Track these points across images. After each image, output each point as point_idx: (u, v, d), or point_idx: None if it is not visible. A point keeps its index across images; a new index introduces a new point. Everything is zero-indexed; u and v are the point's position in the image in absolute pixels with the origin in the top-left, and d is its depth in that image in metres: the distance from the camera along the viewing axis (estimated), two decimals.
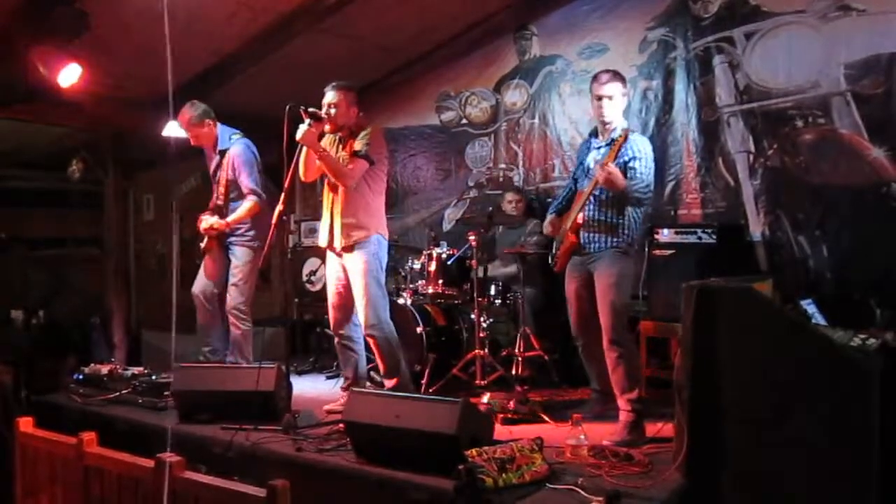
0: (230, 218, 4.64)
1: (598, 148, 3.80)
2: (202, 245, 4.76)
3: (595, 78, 3.79)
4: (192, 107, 4.66)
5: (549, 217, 4.05)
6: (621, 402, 3.56)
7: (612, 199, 3.66)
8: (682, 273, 3.95)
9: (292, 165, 3.93)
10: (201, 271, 4.80)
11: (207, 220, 4.69)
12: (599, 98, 3.71)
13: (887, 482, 2.58)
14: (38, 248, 7.64)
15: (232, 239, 4.71)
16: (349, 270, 4.03)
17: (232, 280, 4.70)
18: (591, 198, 3.69)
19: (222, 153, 4.73)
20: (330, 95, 4.00)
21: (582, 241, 3.72)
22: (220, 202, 4.75)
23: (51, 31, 4.27)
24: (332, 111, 3.98)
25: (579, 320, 3.85)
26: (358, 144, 3.97)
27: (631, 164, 3.62)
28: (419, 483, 2.85)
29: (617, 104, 3.72)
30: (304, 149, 3.93)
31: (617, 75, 3.76)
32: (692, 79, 4.95)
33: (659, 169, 4.91)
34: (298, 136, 3.75)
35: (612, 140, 3.68)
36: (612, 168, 3.47)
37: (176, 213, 7.21)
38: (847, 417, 2.59)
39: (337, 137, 4.14)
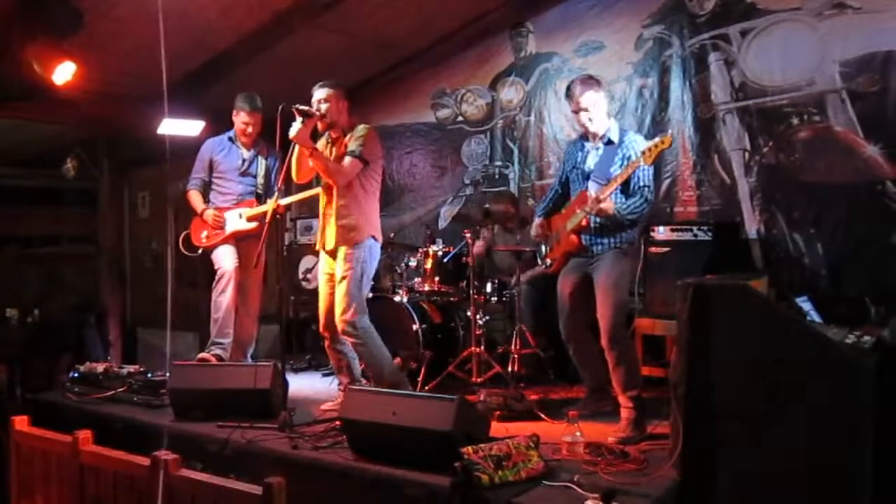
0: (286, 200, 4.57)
1: (597, 149, 3.74)
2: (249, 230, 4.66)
3: (568, 93, 3.73)
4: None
5: (537, 220, 4.04)
6: (623, 400, 3.55)
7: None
8: (677, 270, 3.95)
9: (286, 164, 3.93)
10: (235, 258, 4.69)
11: (268, 203, 4.39)
12: (577, 112, 3.69)
13: (880, 478, 2.59)
14: (33, 246, 7.61)
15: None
16: (336, 271, 4.00)
17: (258, 280, 4.75)
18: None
19: (258, 149, 4.80)
20: (319, 93, 3.98)
21: (585, 242, 3.71)
22: (260, 191, 4.78)
23: (45, 28, 4.25)
24: (323, 106, 3.95)
25: (572, 321, 3.82)
26: (352, 144, 3.94)
27: (634, 187, 3.57)
28: (415, 480, 2.85)
29: (600, 111, 3.68)
30: (297, 148, 3.90)
31: (587, 82, 3.70)
32: (688, 76, 4.95)
33: (655, 167, 4.93)
34: (291, 134, 3.73)
35: (609, 141, 3.68)
36: (604, 206, 3.50)
37: (171, 211, 7.21)
38: (841, 415, 2.60)
39: (329, 139, 4.11)
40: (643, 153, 3.42)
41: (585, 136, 3.83)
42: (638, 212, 3.57)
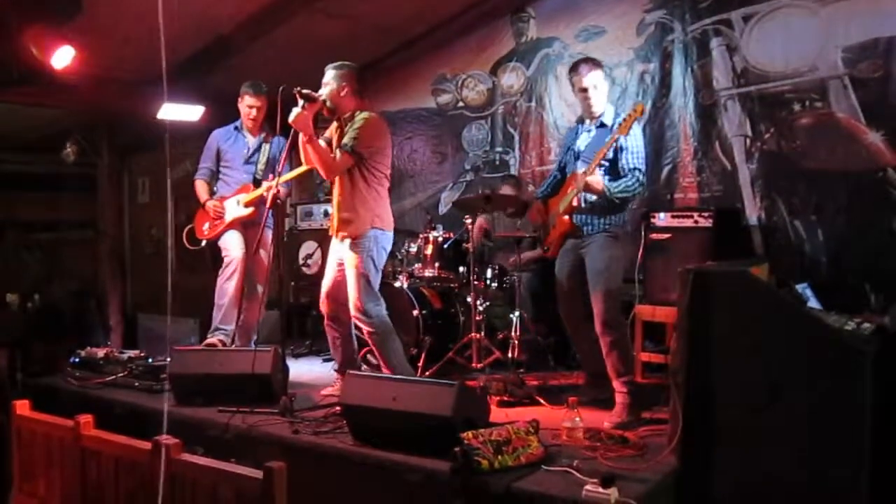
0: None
1: (589, 131, 3.78)
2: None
3: (574, 70, 3.72)
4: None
5: (535, 204, 4.04)
6: (617, 385, 3.58)
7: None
8: (678, 257, 3.96)
9: (288, 147, 3.90)
10: (243, 245, 4.70)
11: (264, 186, 4.53)
12: (584, 90, 3.69)
13: (878, 465, 2.60)
14: (33, 231, 7.62)
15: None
16: (345, 262, 3.97)
17: (263, 268, 4.73)
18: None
19: (264, 137, 4.78)
20: (325, 75, 3.90)
21: (576, 222, 3.72)
22: (259, 177, 4.74)
23: (44, 12, 4.24)
24: (324, 90, 3.85)
25: (568, 305, 3.86)
26: (346, 136, 3.81)
27: (624, 169, 3.59)
28: (415, 465, 2.87)
29: (602, 91, 3.71)
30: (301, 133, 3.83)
31: (595, 63, 3.72)
32: (690, 62, 4.93)
33: (655, 152, 4.92)
34: (291, 118, 3.63)
35: (602, 123, 3.69)
36: (590, 180, 3.51)
37: (171, 197, 7.19)
38: (840, 402, 2.60)
39: (337, 123, 4.02)
40: (619, 125, 3.48)
41: (582, 119, 3.86)
42: (630, 191, 3.59)
